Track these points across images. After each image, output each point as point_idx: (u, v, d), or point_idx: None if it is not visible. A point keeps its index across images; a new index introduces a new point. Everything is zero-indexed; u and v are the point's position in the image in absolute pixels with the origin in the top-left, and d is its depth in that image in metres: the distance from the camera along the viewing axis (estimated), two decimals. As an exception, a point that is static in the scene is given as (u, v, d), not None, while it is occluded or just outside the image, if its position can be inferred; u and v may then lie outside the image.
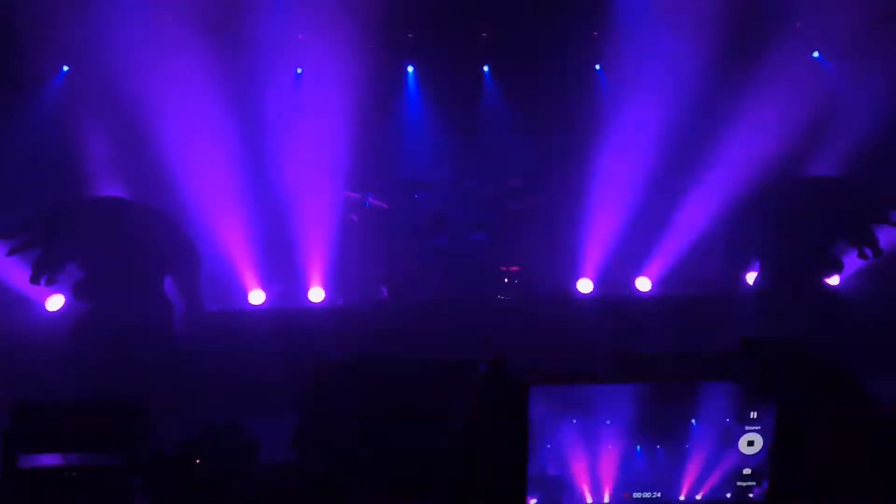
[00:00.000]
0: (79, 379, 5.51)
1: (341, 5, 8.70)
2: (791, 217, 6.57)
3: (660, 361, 3.30)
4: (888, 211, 6.56)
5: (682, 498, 1.28)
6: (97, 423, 3.52)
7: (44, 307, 6.82)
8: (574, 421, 1.30)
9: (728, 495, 1.28)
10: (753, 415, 1.30)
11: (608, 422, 1.31)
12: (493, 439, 1.25)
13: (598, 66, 9.63)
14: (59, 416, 3.43)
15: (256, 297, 7.86)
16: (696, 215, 8.22)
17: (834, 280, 6.87)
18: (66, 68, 8.16)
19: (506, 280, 7.57)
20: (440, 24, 9.38)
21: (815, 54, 8.82)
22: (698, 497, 1.28)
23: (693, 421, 1.32)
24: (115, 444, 3.25)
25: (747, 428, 1.29)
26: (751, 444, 1.30)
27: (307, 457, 2.71)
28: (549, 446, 1.28)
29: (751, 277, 6.96)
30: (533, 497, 1.26)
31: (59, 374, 5.59)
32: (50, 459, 3.03)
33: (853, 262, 6.72)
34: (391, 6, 8.97)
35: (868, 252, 6.53)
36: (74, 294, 6.06)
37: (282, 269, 8.51)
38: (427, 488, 1.59)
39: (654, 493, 1.28)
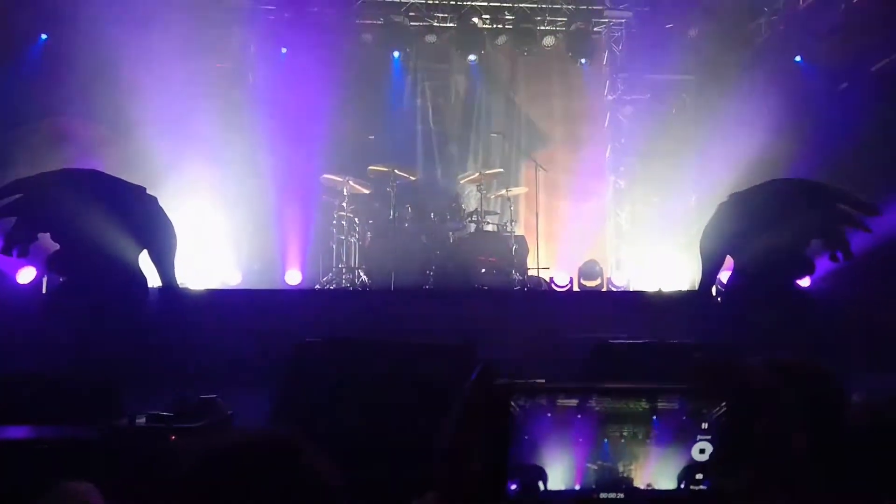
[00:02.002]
0: (50, 351, 5.44)
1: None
2: (765, 218, 6.67)
3: (634, 352, 3.37)
4: (860, 215, 6.67)
5: (640, 487, 1.43)
6: (69, 396, 3.49)
7: (14, 279, 6.72)
8: (548, 415, 1.44)
9: (683, 493, 1.42)
10: (704, 425, 1.43)
11: (579, 416, 1.44)
12: (477, 438, 1.39)
13: (583, 61, 9.68)
14: (30, 388, 3.39)
15: (233, 276, 7.83)
16: (673, 212, 8.34)
17: (805, 281, 7.00)
18: (44, 37, 8.00)
19: (483, 270, 7.60)
20: (428, 10, 9.36)
21: (797, 58, 8.95)
22: (655, 487, 1.42)
23: (654, 418, 1.44)
24: (87, 418, 3.23)
25: (699, 437, 1.42)
26: (702, 451, 1.42)
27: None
28: (526, 437, 1.42)
29: (725, 276, 7.06)
30: (513, 483, 1.40)
31: (30, 346, 5.52)
32: (19, 432, 2.99)
33: (824, 264, 6.85)
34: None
35: (839, 255, 6.65)
36: (47, 266, 5.95)
37: (259, 250, 8.49)
38: (409, 475, 1.63)
39: (618, 485, 1.44)
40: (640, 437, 1.42)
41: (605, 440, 1.42)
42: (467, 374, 3.02)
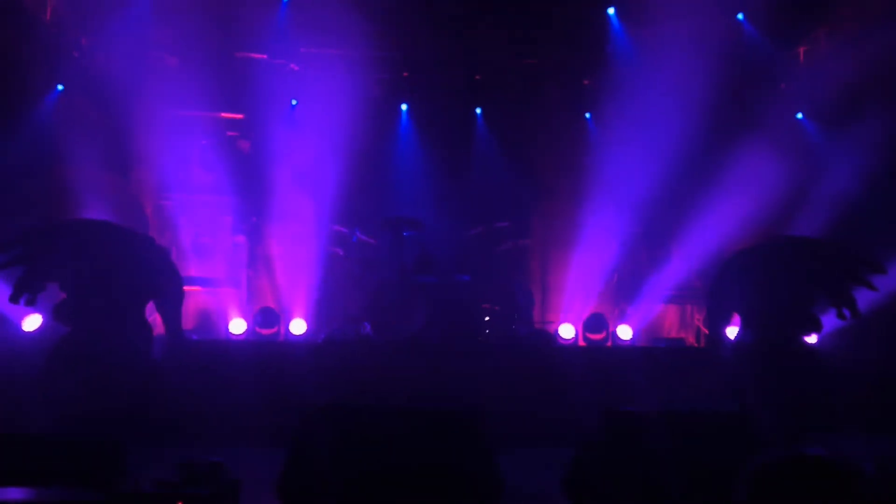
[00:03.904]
0: (53, 403, 5.41)
1: (338, 40, 8.85)
2: (772, 275, 6.68)
3: (648, 421, 3.33)
4: (866, 273, 6.68)
5: None
6: (72, 456, 3.45)
7: (20, 326, 6.71)
8: None
9: None
10: None
11: None
12: None
13: (587, 115, 9.81)
14: (34, 448, 3.36)
15: (237, 326, 7.81)
16: (680, 267, 8.35)
17: (812, 338, 6.96)
18: (60, 87, 8.15)
19: (488, 322, 7.59)
20: (435, 64, 9.55)
21: (800, 115, 9.07)
22: None
23: None
24: (91, 479, 3.19)
25: None
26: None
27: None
28: None
29: (732, 332, 7.03)
30: None
31: (33, 396, 5.49)
32: (22, 494, 2.95)
33: (832, 321, 6.84)
34: (388, 44, 9.14)
35: (846, 313, 6.64)
36: (54, 315, 5.95)
37: (264, 298, 8.50)
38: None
39: None
40: None
41: None
42: (472, 441, 2.99)
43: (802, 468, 1.49)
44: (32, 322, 6.75)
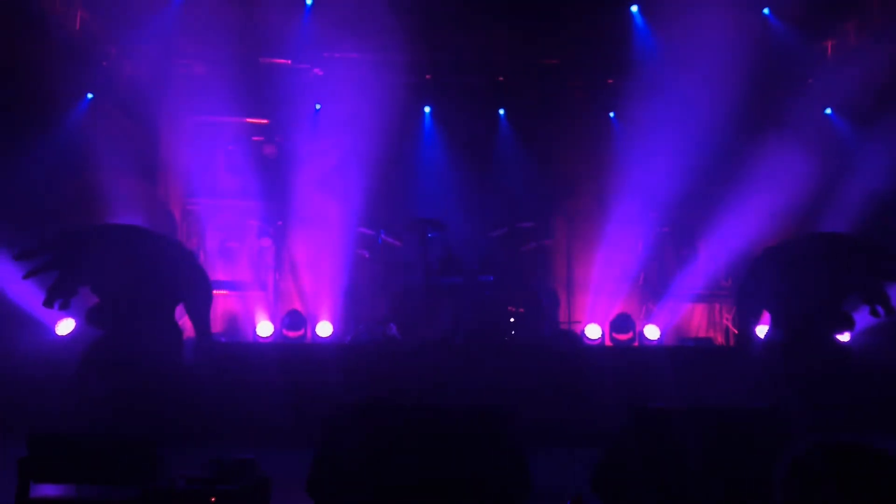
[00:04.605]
0: (87, 404, 5.50)
1: (360, 45, 8.91)
2: (803, 272, 6.57)
3: (678, 418, 3.29)
4: (899, 270, 6.54)
5: None
6: (107, 455, 3.51)
7: (54, 330, 6.84)
8: None
9: None
10: None
11: None
12: None
13: (611, 114, 9.75)
14: (74, 447, 3.42)
15: (264, 328, 7.88)
16: (707, 265, 8.26)
17: (845, 336, 6.84)
18: (90, 95, 8.31)
19: (513, 322, 7.57)
20: (458, 66, 9.55)
21: (828, 111, 8.93)
22: None
23: None
24: (127, 477, 3.24)
25: None
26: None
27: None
28: None
29: (762, 330, 6.93)
30: None
31: (67, 399, 5.59)
32: (62, 491, 3.02)
33: (864, 319, 6.70)
34: (410, 47, 9.17)
35: (880, 310, 6.51)
36: (87, 319, 6.07)
37: (291, 301, 8.58)
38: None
39: None
40: None
41: None
42: (499, 441, 2.99)
43: (844, 457, 1.46)
44: (66, 326, 6.88)
